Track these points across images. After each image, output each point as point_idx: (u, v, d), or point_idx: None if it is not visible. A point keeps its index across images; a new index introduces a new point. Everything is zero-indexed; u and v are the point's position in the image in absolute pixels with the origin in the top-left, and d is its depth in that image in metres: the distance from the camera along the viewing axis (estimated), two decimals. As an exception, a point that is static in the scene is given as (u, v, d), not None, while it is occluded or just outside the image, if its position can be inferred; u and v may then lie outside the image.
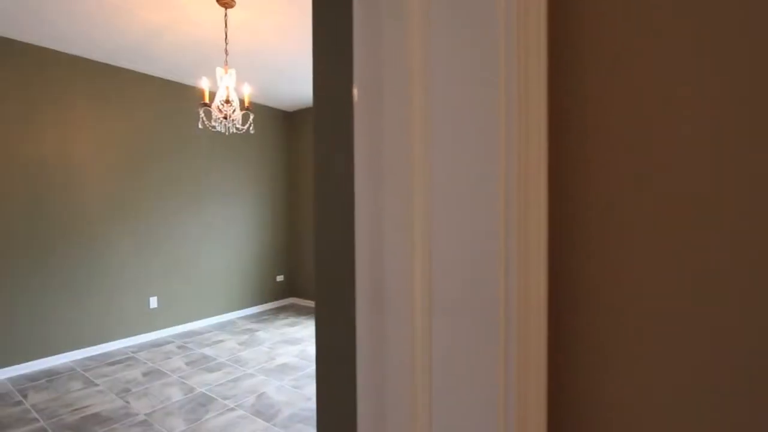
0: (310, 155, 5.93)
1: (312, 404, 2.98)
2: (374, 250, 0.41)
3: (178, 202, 4.76)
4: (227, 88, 2.84)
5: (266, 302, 5.89)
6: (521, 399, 0.35)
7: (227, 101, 2.85)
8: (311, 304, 6.01)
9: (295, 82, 4.79)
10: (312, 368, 3.66)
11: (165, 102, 4.66)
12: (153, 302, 4.56)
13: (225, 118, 2.91)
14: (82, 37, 3.55)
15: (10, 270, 3.57)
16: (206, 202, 5.07)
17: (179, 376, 3.54)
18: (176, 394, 3.19)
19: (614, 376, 0.36)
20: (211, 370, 3.65)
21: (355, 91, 0.42)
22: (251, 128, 3.17)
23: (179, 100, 4.79)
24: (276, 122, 5.97)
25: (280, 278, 6.09)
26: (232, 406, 2.99)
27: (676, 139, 0.33)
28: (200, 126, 3.05)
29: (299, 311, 5.73)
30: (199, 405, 3.01)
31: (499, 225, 0.35)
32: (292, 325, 5.06)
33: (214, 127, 3.05)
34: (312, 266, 5.98)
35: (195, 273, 4.96)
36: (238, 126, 3.03)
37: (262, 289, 5.82)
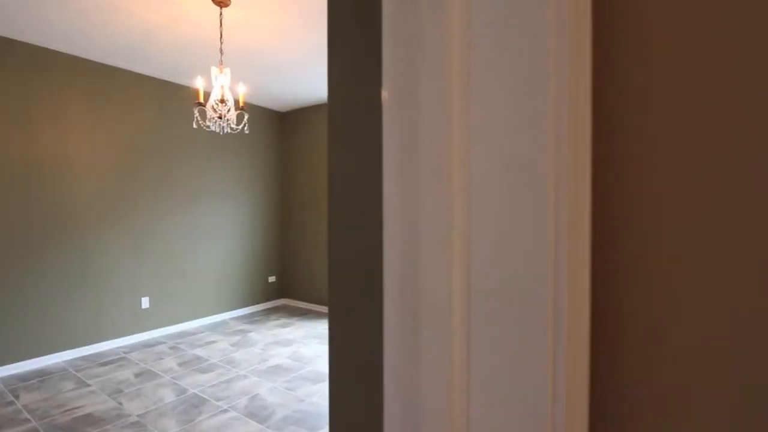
0: (303, 156, 5.95)
1: (305, 406, 3.01)
2: (407, 257, 0.39)
3: (171, 202, 4.76)
4: (222, 87, 2.85)
5: (258, 303, 5.90)
6: (569, 417, 0.33)
7: (222, 101, 2.87)
8: (303, 305, 6.03)
9: (288, 83, 4.81)
10: (305, 370, 3.69)
11: (159, 102, 4.66)
12: (145, 302, 4.56)
13: (220, 117, 2.93)
14: (79, 35, 3.55)
15: (2, 269, 3.56)
16: (199, 203, 5.07)
17: (172, 377, 3.55)
18: (169, 395, 3.20)
19: (657, 390, 0.35)
20: (203, 371, 3.67)
21: (386, 92, 0.40)
22: (246, 128, 3.19)
23: (173, 100, 4.80)
24: (269, 123, 5.98)
25: (272, 279, 6.10)
26: (225, 407, 3.01)
27: (725, 139, 0.32)
28: (195, 126, 3.06)
29: (291, 312, 5.75)
30: (192, 406, 3.03)
31: (548, 229, 0.33)
32: (284, 326, 5.08)
33: (208, 126, 3.07)
34: (304, 267, 6.00)
35: (187, 273, 4.97)
36: (232, 126, 3.05)
37: (254, 289, 5.83)
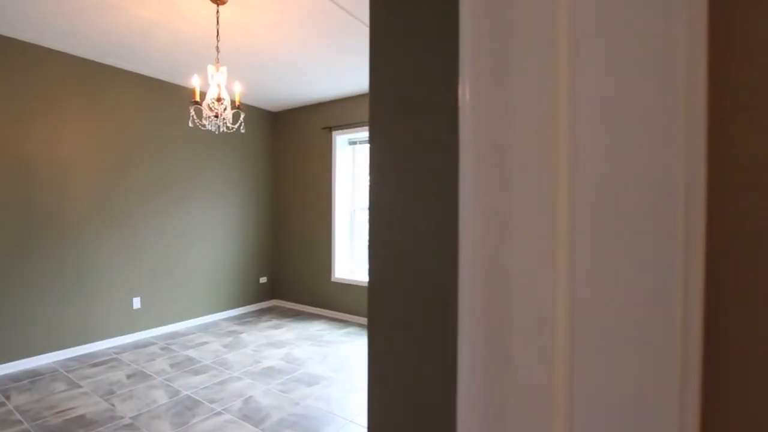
0: (295, 157, 5.95)
1: (300, 409, 3.03)
2: (492, 266, 0.34)
3: (163, 201, 4.75)
4: (219, 85, 2.86)
5: (249, 304, 5.90)
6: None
7: (218, 99, 2.87)
8: (294, 306, 6.04)
9: (283, 83, 4.82)
10: (299, 372, 3.71)
11: (152, 101, 4.64)
12: (136, 303, 4.54)
13: (216, 116, 2.93)
14: (73, 33, 3.53)
15: (-8, 269, 3.53)
16: (190, 202, 5.06)
17: (164, 379, 3.54)
18: (162, 397, 3.20)
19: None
20: (196, 373, 3.67)
21: (467, 85, 0.36)
22: (242, 127, 3.20)
23: (166, 99, 4.78)
24: (261, 122, 5.98)
25: (263, 280, 6.10)
26: (219, 410, 3.02)
27: None
28: (191, 124, 3.06)
29: (282, 313, 5.75)
30: (186, 408, 3.03)
31: (677, 232, 0.29)
32: (275, 327, 5.09)
33: (204, 125, 3.06)
34: (295, 268, 6.01)
35: (178, 274, 4.95)
36: (228, 125, 3.05)
37: (245, 290, 5.83)
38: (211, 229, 5.31)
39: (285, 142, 6.10)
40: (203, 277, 5.23)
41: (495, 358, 0.34)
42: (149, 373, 3.67)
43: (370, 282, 0.49)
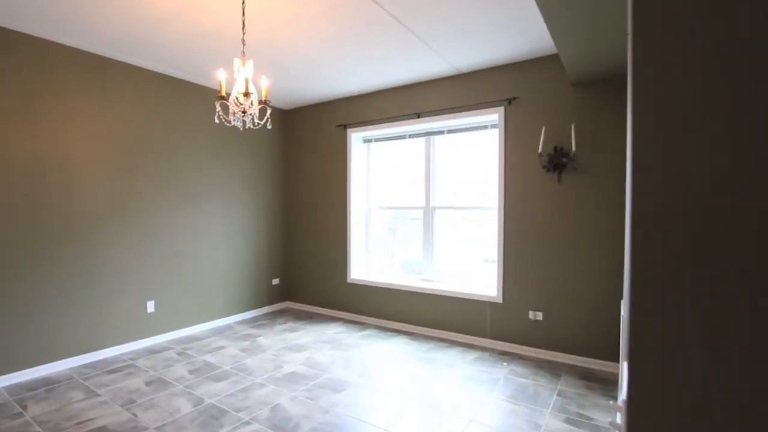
0: (308, 155, 5.82)
1: (332, 417, 2.91)
2: None
3: (174, 201, 4.61)
4: (246, 79, 2.72)
5: (262, 306, 5.77)
6: None
7: (246, 94, 2.73)
8: (308, 308, 5.91)
9: (298, 79, 4.68)
10: (323, 377, 3.58)
11: (163, 99, 4.51)
12: (150, 306, 4.40)
13: (243, 112, 2.80)
14: (85, 24, 3.39)
15: (3, 273, 3.39)
16: (201, 202, 4.92)
17: (185, 386, 3.41)
18: (185, 406, 3.07)
19: None
20: (217, 379, 3.54)
21: None
22: (268, 123, 3.07)
23: (178, 96, 4.64)
24: (272, 121, 5.84)
25: (275, 281, 5.97)
26: (246, 419, 2.89)
27: None
28: (216, 120, 2.93)
29: (297, 316, 5.62)
30: (212, 418, 2.90)
31: None
32: (291, 330, 4.96)
33: (230, 121, 2.93)
34: (309, 270, 5.88)
35: (191, 276, 4.82)
36: (256, 120, 2.92)
37: (257, 292, 5.70)
38: (223, 230, 5.17)
39: (297, 141, 5.96)
40: (216, 280, 5.10)
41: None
42: (168, 379, 3.54)
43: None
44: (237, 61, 2.75)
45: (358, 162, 5.46)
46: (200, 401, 3.14)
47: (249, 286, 5.55)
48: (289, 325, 5.20)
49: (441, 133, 4.83)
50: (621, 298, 3.66)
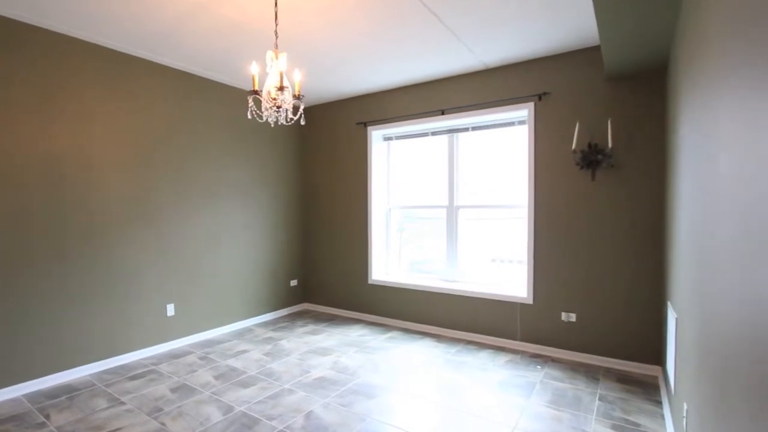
0: (327, 153, 5.70)
1: (369, 425, 2.78)
2: None
3: (192, 201, 4.49)
4: (281, 73, 2.59)
5: (281, 308, 5.65)
6: None
7: (281, 88, 2.60)
8: (327, 309, 5.79)
9: (319, 76, 4.56)
10: (353, 383, 3.46)
11: (185, 97, 4.39)
12: (170, 309, 4.29)
13: (278, 107, 2.68)
14: (109, 21, 3.29)
15: (21, 274, 3.28)
16: (219, 202, 4.81)
17: (211, 392, 3.30)
18: (215, 414, 2.95)
19: None
20: (244, 385, 3.42)
21: None
22: (302, 119, 2.94)
23: (199, 94, 4.53)
24: (290, 118, 5.72)
25: (293, 283, 5.85)
26: (280, 428, 2.77)
27: None
28: (249, 116, 2.80)
29: (316, 318, 5.51)
30: (244, 427, 2.78)
31: None
32: (313, 333, 4.84)
33: (261, 116, 2.81)
34: (327, 270, 5.76)
35: (210, 277, 4.70)
36: (290, 116, 2.80)
37: (276, 294, 5.58)
38: (240, 230, 5.05)
39: (316, 139, 5.84)
40: (234, 281, 4.98)
41: None
42: (194, 386, 3.42)
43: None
44: (270, 54, 2.62)
45: (378, 160, 5.34)
46: (230, 409, 3.02)
47: (267, 288, 5.44)
48: (310, 327, 5.08)
49: (465, 130, 4.70)
50: (660, 299, 3.53)
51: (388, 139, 5.34)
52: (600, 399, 3.15)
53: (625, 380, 3.48)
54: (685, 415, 2.06)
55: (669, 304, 2.90)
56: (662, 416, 2.89)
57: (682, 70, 2.36)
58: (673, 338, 2.56)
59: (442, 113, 4.62)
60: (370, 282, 5.31)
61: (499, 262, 4.66)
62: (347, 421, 2.85)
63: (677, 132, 2.59)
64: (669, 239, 3.02)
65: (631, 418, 2.85)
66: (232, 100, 4.87)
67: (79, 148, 3.58)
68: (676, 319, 2.51)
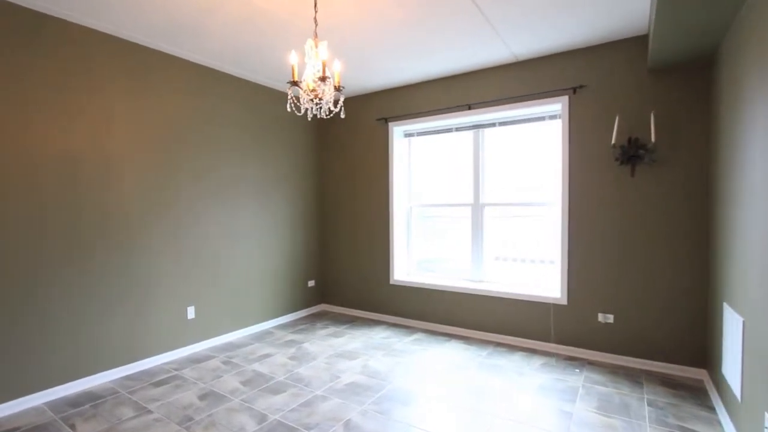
0: (346, 150, 5.54)
1: (416, 436, 2.64)
2: None
3: (209, 200, 4.34)
4: (324, 63, 2.44)
5: (299, 309, 5.50)
6: None
7: (323, 78, 2.45)
8: (346, 310, 5.65)
9: (347, 70, 4.40)
10: (387, 388, 3.32)
11: (203, 92, 4.23)
12: (191, 312, 4.14)
13: (320, 99, 2.52)
14: (130, 11, 3.13)
15: (40, 278, 3.12)
16: (237, 200, 4.65)
17: (241, 400, 3.15)
18: (249, 423, 2.80)
19: None
20: (274, 392, 3.28)
21: None
22: (342, 111, 2.80)
23: (217, 90, 4.37)
24: (306, 114, 5.57)
25: (311, 283, 5.70)
26: (320, 437, 2.62)
27: None
28: (288, 109, 2.65)
29: (336, 319, 5.36)
30: (281, 436, 2.64)
31: None
32: (335, 335, 4.70)
33: (298, 108, 2.66)
34: (346, 270, 5.61)
35: (228, 279, 4.55)
36: (331, 108, 2.65)
37: (294, 295, 5.43)
38: (258, 230, 4.90)
39: (334, 135, 5.69)
40: (253, 282, 4.83)
41: None
42: (222, 392, 3.27)
43: None
44: (310, 42, 2.47)
45: (400, 157, 5.20)
46: (264, 418, 2.88)
47: (286, 289, 5.29)
48: (332, 329, 4.93)
49: (492, 125, 4.56)
50: (705, 300, 3.40)
51: (409, 135, 5.20)
52: (649, 404, 3.01)
53: (669, 384, 3.35)
54: (767, 425, 1.93)
55: (726, 305, 2.76)
56: (719, 422, 2.76)
57: (752, 61, 2.22)
58: (739, 342, 2.42)
59: (469, 108, 4.47)
60: (391, 282, 5.17)
61: (529, 262, 4.52)
62: (388, 429, 2.70)
63: (741, 124, 2.45)
64: (724, 239, 2.88)
65: (686, 425, 2.72)
66: (251, 96, 4.72)
67: (98, 148, 3.42)
68: (743, 322, 2.37)
